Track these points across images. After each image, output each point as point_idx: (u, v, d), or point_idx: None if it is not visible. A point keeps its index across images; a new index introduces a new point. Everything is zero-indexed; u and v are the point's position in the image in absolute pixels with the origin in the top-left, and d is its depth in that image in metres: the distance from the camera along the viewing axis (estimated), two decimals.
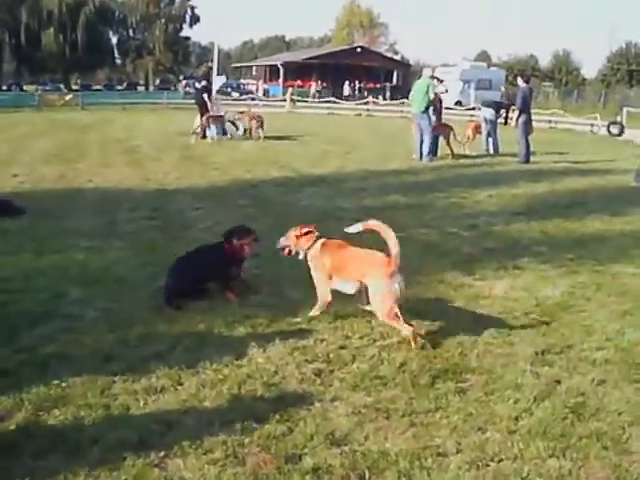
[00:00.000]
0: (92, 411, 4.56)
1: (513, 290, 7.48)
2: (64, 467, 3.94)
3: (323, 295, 6.33)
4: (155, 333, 5.97)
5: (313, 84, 68.83)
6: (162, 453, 4.07)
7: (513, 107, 22.91)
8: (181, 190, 13.75)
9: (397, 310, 5.72)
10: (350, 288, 6.18)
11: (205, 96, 25.92)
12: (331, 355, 5.55)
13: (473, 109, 42.35)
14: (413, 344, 5.65)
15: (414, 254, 8.68)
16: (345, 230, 6.25)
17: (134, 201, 12.56)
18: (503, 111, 26.11)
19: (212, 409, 4.64)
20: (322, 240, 6.56)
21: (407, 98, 25.65)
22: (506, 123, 26.47)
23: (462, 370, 5.33)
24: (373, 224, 6.00)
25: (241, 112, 26.37)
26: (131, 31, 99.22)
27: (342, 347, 5.73)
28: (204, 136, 24.53)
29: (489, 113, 22.46)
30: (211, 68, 30.82)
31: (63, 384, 4.93)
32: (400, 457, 4.09)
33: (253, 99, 57.38)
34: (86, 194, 13.37)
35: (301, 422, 4.48)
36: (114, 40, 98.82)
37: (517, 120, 19.64)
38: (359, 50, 79.55)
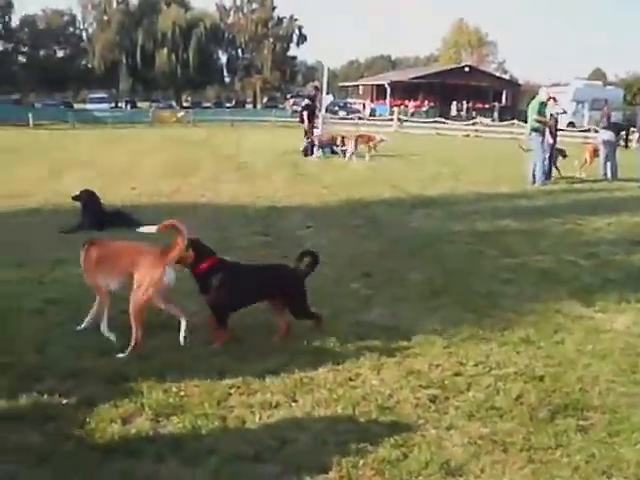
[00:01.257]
0: (209, 421, 4.64)
1: (636, 325, 7.06)
2: (182, 473, 4.03)
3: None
4: (268, 348, 6.02)
5: (410, 104, 68.59)
6: (278, 469, 4.10)
7: (633, 129, 22.03)
8: (292, 208, 13.89)
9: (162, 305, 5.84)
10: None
11: (305, 114, 26.22)
12: (446, 382, 5.44)
13: (587, 131, 41.19)
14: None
15: (528, 281, 8.50)
16: (138, 230, 6.47)
17: (246, 217, 12.79)
18: (623, 133, 25.09)
19: (327, 428, 4.63)
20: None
21: (516, 119, 25.14)
22: (627, 146, 25.52)
23: (583, 407, 5.07)
24: (169, 222, 6.12)
25: (360, 136, 26.27)
26: (240, 51, 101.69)
27: (457, 374, 5.61)
28: (306, 154, 24.88)
29: (608, 135, 21.56)
30: (317, 87, 31.02)
31: (181, 393, 5.05)
32: None
33: (360, 118, 57.61)
34: (200, 208, 13.67)
35: (415, 448, 4.39)
36: (224, 59, 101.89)
37: (639, 142, 18.87)
38: (467, 69, 78.71)
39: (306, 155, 25.03)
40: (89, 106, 72.18)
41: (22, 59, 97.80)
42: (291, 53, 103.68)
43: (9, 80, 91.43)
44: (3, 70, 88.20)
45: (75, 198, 11.82)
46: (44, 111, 60.99)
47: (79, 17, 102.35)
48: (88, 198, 11.81)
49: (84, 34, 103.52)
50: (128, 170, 20.24)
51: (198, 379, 5.29)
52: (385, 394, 5.19)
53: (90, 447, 4.27)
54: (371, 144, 25.04)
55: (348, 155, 24.25)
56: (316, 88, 30.09)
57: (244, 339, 6.26)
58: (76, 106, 76.82)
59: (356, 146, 24.62)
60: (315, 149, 25.18)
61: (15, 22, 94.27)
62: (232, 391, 5.11)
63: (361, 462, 4.20)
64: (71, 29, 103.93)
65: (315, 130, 26.80)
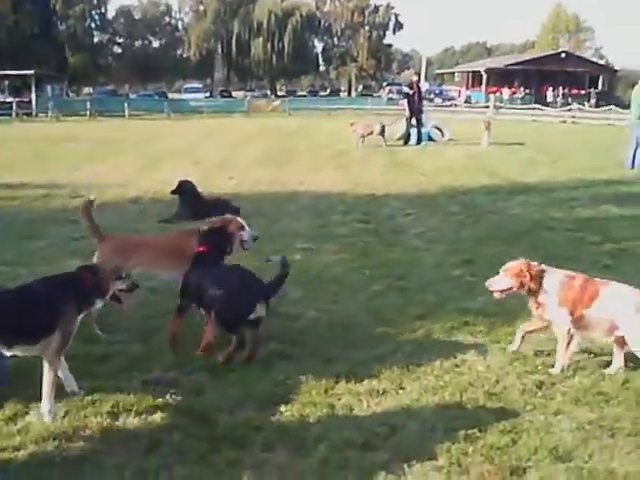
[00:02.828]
0: (317, 409, 4.69)
1: None
2: (291, 463, 4.08)
3: None
4: (375, 336, 6.06)
5: (506, 91, 67.34)
6: (387, 456, 4.10)
7: None
8: (391, 195, 13.88)
9: None
10: None
11: (405, 102, 26.16)
12: (552, 368, 5.39)
13: None
14: None
15: (630, 266, 8.30)
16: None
17: (346, 205, 12.85)
18: None
19: (435, 415, 4.62)
20: None
21: (614, 105, 24.24)
22: None
23: None
24: None
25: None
26: (335, 39, 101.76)
27: None
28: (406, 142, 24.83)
29: None
30: (418, 74, 30.87)
31: (288, 381, 5.12)
32: (628, 479, 3.91)
33: (455, 105, 57.04)
34: (299, 197, 13.83)
35: (524, 434, 4.37)
36: (319, 48, 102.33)
37: None
38: (563, 55, 76.87)
39: (406, 143, 24.93)
40: (184, 96, 73.78)
41: (117, 50, 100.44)
42: (387, 41, 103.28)
43: (105, 71, 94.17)
44: (99, 61, 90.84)
45: (174, 192, 12.07)
46: (139, 101, 62.75)
47: (175, 7, 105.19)
48: (186, 188, 12.07)
49: (180, 24, 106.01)
50: (225, 160, 20.60)
51: (305, 367, 5.35)
52: (492, 380, 5.18)
53: (197, 437, 4.37)
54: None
55: (446, 139, 24.14)
56: (417, 74, 29.88)
57: (352, 326, 6.32)
58: (171, 96, 78.58)
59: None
60: (415, 136, 25.11)
61: (111, 13, 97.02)
62: (339, 379, 5.14)
63: (470, 449, 4.19)
64: (167, 19, 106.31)
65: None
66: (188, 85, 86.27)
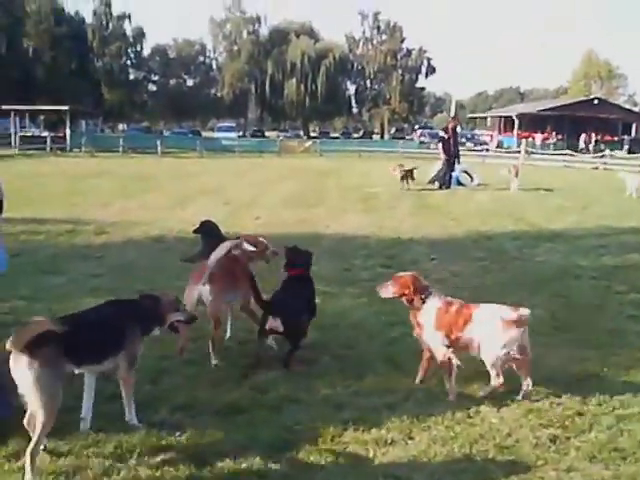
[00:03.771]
0: (322, 458, 4.65)
1: None
2: None
3: None
4: (388, 383, 6.01)
5: (538, 136, 67.17)
6: None
7: None
8: (416, 239, 13.84)
9: None
10: None
11: (440, 146, 26.23)
12: (567, 421, 5.30)
13: None
14: None
15: None
16: None
17: (370, 248, 12.83)
18: None
19: (443, 467, 4.57)
20: None
21: None
22: None
23: None
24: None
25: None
26: (368, 81, 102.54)
27: (579, 413, 5.45)
28: (441, 186, 24.87)
29: None
30: (454, 118, 30.93)
31: (295, 427, 5.08)
32: None
33: (487, 150, 57.08)
34: (323, 239, 13.81)
35: None
36: (352, 90, 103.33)
37: None
38: (596, 102, 76.53)
39: (441, 187, 24.94)
40: (217, 134, 74.55)
41: (152, 87, 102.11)
42: (419, 84, 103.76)
43: (140, 108, 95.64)
44: (134, 98, 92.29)
45: (196, 231, 12.16)
46: (172, 139, 63.56)
47: (209, 46, 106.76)
48: (208, 227, 12.15)
49: (214, 63, 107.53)
50: (253, 199, 20.74)
51: (314, 413, 5.33)
52: (504, 432, 5.10)
53: (199, 477, 4.36)
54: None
55: (475, 184, 24.24)
56: (454, 118, 29.89)
57: (365, 372, 6.27)
58: (204, 134, 79.50)
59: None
60: (450, 180, 25.17)
61: (147, 51, 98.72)
62: (348, 426, 5.10)
63: None
64: (201, 58, 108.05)
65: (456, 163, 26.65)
66: (221, 124, 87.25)
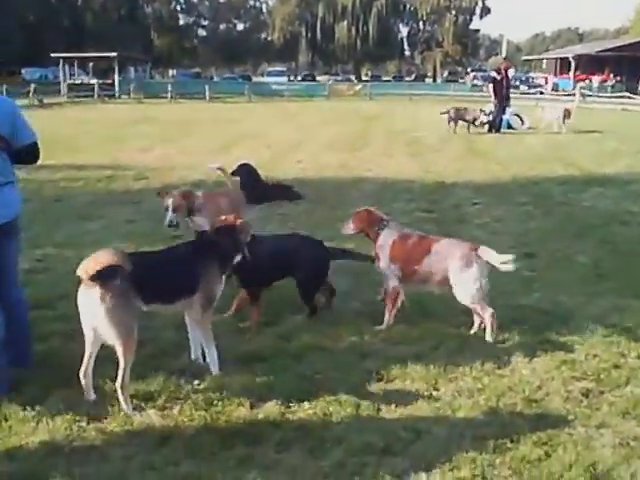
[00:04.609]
0: (341, 408, 4.46)
1: None
2: (303, 464, 3.89)
3: None
4: (417, 332, 5.77)
5: (595, 78, 65.04)
6: (406, 463, 3.87)
7: None
8: (460, 183, 13.48)
9: None
10: None
11: (490, 87, 25.52)
12: (602, 374, 5.02)
13: None
14: None
15: None
16: None
17: (411, 192, 12.53)
18: None
19: (466, 421, 4.35)
20: None
21: None
22: None
23: None
24: None
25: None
26: (421, 23, 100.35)
27: (615, 366, 5.16)
28: (491, 129, 24.16)
29: None
30: (506, 59, 30.02)
31: (316, 376, 4.91)
32: None
33: (541, 93, 55.60)
34: (365, 183, 13.56)
35: (560, 448, 4.05)
36: (404, 32, 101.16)
37: None
38: None
39: (490, 130, 24.26)
40: (266, 79, 74.06)
41: (202, 32, 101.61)
42: (473, 26, 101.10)
43: (190, 54, 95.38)
44: (184, 44, 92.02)
45: (233, 173, 11.99)
46: (221, 84, 63.30)
47: None
48: (245, 171, 11.95)
49: (264, 7, 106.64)
50: (298, 143, 20.51)
51: (337, 362, 5.14)
52: (534, 385, 4.85)
53: (212, 431, 4.21)
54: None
55: (526, 127, 23.43)
56: (505, 60, 28.97)
57: (395, 319, 6.02)
58: (255, 79, 79.08)
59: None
60: (500, 123, 24.45)
61: None
62: (371, 376, 4.91)
63: (498, 460, 3.91)
64: (251, 2, 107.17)
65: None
66: (271, 68, 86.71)
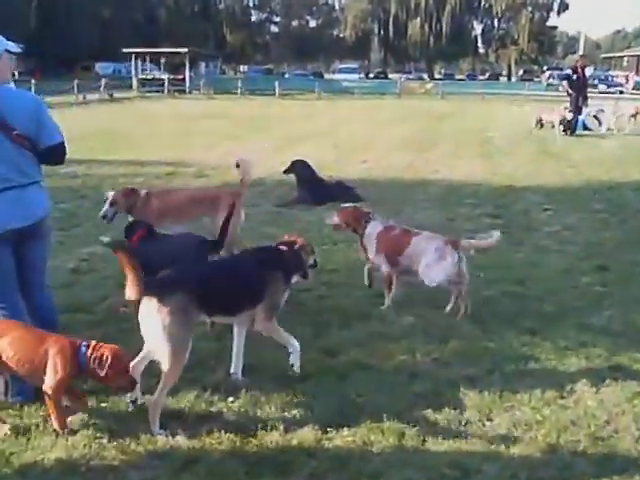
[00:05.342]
0: (383, 437, 4.11)
1: None
2: None
3: None
4: (472, 351, 5.38)
5: None
6: None
7: None
8: (531, 187, 12.91)
9: None
10: None
11: (565, 85, 24.69)
12: None
13: None
14: None
15: None
16: None
17: (478, 196, 12.05)
18: None
19: (520, 459, 3.93)
20: None
21: None
22: None
23: None
24: None
25: None
26: (496, 20, 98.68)
27: None
28: (565, 130, 23.36)
29: None
30: (583, 56, 28.98)
31: (358, 399, 4.57)
32: None
33: (621, 92, 54.04)
34: (430, 186, 13.15)
35: None
36: (478, 29, 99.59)
37: None
38: None
39: (565, 131, 23.45)
40: (337, 76, 73.84)
41: (274, 29, 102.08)
42: (551, 22, 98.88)
43: (262, 50, 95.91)
44: (256, 40, 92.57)
45: (287, 171, 11.71)
46: (291, 81, 63.42)
47: None
48: (300, 168, 11.63)
49: (336, 4, 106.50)
50: (364, 142, 20.17)
51: (383, 383, 4.79)
52: (601, 420, 4.39)
53: (240, 456, 3.92)
54: None
55: (603, 129, 22.62)
56: (582, 57, 28.00)
57: (450, 336, 5.65)
58: (326, 76, 78.92)
59: None
60: (575, 124, 23.62)
61: None
62: (419, 400, 4.54)
63: None
64: None
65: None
66: (342, 65, 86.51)
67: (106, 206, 6.99)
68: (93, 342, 4.08)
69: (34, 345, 4.07)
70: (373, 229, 6.42)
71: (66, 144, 4.60)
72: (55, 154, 4.55)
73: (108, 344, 4.10)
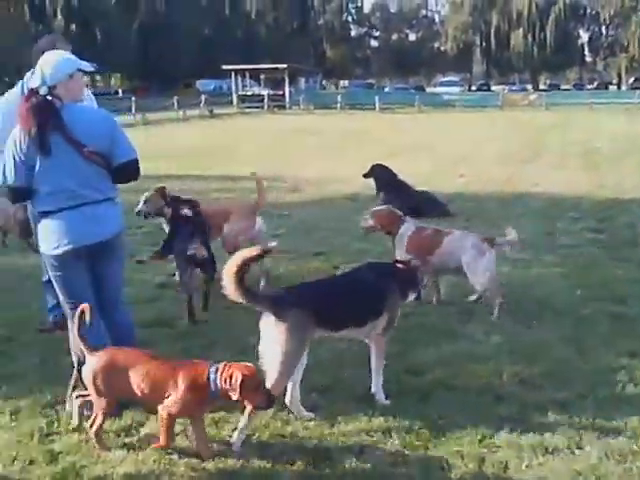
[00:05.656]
0: (462, 462, 3.92)
1: None
2: None
3: None
4: (564, 373, 5.10)
5: None
6: None
7: None
8: (637, 200, 12.35)
9: None
10: None
11: None
12: None
13: None
14: None
15: None
16: None
17: (580, 210, 11.63)
18: None
19: None
20: None
21: None
22: None
23: None
24: None
25: None
26: (603, 27, 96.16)
27: None
28: None
29: None
30: None
31: (440, 421, 4.38)
32: None
33: None
34: (529, 199, 12.80)
35: None
36: (584, 38, 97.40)
37: None
38: None
39: None
40: (438, 89, 73.46)
41: (374, 43, 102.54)
42: None
43: (362, 64, 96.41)
44: (356, 54, 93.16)
45: (366, 175, 11.53)
46: (392, 95, 63.40)
47: None
48: (380, 173, 11.38)
49: (436, 16, 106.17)
50: (462, 155, 19.91)
51: (466, 405, 4.58)
52: None
53: (313, 478, 3.81)
54: None
55: None
56: None
57: (541, 357, 5.40)
58: (427, 90, 78.60)
59: None
60: None
61: (367, 7, 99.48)
62: (503, 424, 4.31)
63: None
64: (423, 12, 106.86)
65: None
66: (443, 79, 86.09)
67: (140, 204, 7.06)
68: (221, 364, 3.92)
69: (165, 375, 3.97)
70: (405, 230, 6.65)
71: (139, 162, 4.62)
72: (129, 171, 4.57)
73: (237, 363, 3.94)
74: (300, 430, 4.33)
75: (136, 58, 73.14)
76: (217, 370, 3.89)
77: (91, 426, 4.08)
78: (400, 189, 11.29)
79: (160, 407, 3.96)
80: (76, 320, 4.09)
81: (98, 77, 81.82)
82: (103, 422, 4.06)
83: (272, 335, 4.17)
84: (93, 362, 4.03)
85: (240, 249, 6.45)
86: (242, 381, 3.81)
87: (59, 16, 72.19)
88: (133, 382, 3.97)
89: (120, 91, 69.24)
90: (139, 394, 4.01)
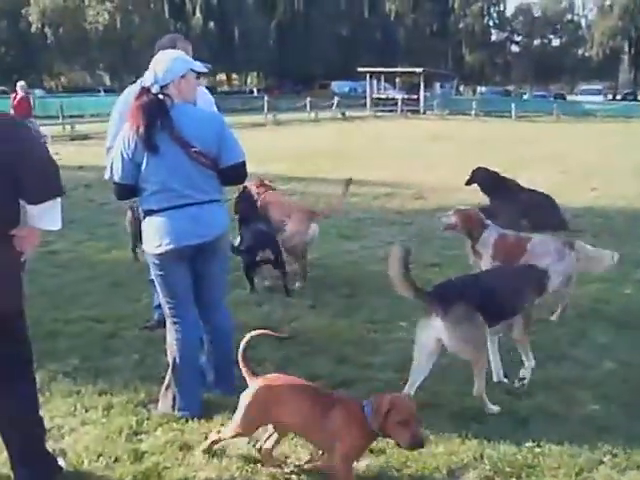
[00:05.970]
0: None
1: None
2: None
3: None
4: None
5: None
6: None
7: None
8: None
9: None
10: None
11: None
12: None
13: None
14: None
15: None
16: None
17: None
18: None
19: None
20: None
21: None
22: None
23: None
24: None
25: None
26: None
27: None
28: None
29: None
30: None
31: (536, 449, 4.22)
32: None
33: None
34: None
35: None
36: None
37: None
38: None
39: None
40: (579, 98, 71.23)
41: (515, 48, 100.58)
42: None
43: (502, 70, 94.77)
44: (496, 60, 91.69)
45: (468, 183, 11.13)
46: (530, 102, 61.88)
47: (578, 3, 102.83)
48: (483, 177, 10.87)
49: (583, 21, 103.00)
50: (597, 168, 19.14)
51: (566, 433, 4.39)
52: None
53: None
54: None
55: None
56: None
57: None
58: (568, 98, 76.41)
59: None
60: None
61: (510, 10, 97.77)
62: (606, 456, 4.11)
63: None
64: (569, 16, 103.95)
65: None
66: (586, 87, 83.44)
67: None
68: (372, 398, 3.69)
69: (321, 410, 3.73)
70: (489, 235, 6.65)
71: (247, 164, 4.68)
72: (235, 174, 4.63)
73: (387, 394, 3.70)
74: (387, 446, 4.27)
75: (272, 57, 74.61)
76: (371, 405, 3.64)
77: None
78: (507, 193, 10.59)
79: (338, 457, 3.66)
80: (242, 345, 4.02)
81: (235, 75, 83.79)
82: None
83: (448, 336, 4.53)
84: (255, 387, 3.89)
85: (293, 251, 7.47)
86: (387, 412, 3.52)
87: (197, 14, 74.41)
88: (290, 413, 3.81)
89: (255, 90, 70.74)
90: (294, 428, 3.96)
